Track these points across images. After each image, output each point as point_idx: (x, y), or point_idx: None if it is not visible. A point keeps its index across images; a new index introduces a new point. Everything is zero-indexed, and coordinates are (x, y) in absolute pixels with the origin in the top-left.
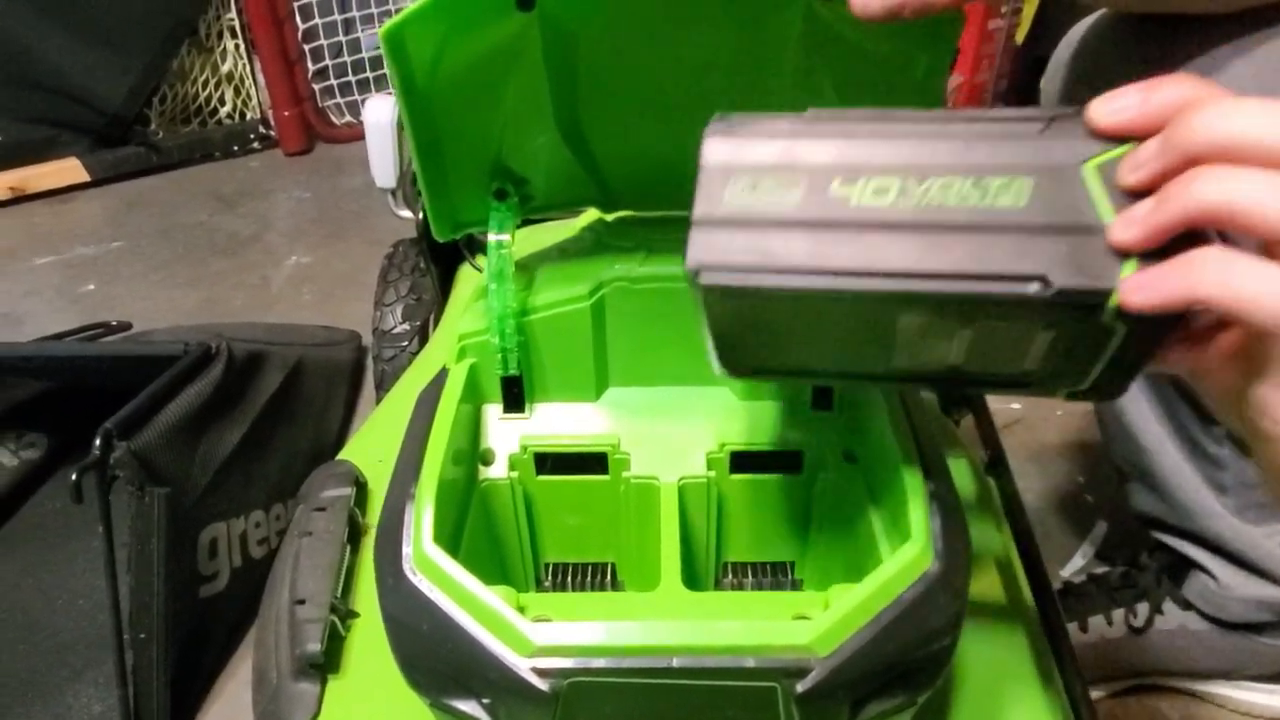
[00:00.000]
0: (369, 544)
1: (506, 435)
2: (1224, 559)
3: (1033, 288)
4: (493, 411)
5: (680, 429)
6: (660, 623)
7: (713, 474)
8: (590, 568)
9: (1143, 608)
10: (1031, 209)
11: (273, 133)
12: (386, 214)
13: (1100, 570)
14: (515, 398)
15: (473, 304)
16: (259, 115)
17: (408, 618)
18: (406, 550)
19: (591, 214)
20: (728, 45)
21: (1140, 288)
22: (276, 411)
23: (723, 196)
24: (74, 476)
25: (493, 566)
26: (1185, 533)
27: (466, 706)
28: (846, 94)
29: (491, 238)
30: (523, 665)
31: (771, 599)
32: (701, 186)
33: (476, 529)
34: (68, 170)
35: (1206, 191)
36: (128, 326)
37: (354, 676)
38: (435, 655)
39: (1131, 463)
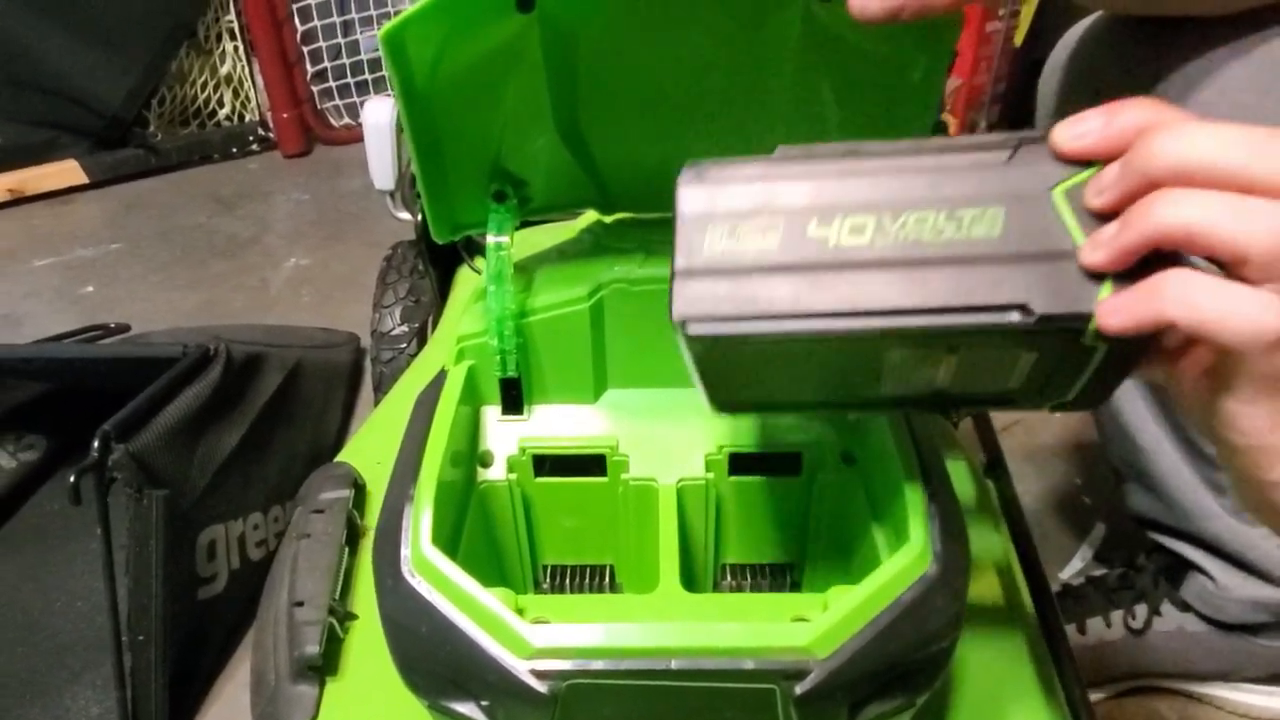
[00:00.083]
0: (367, 546)
1: (505, 437)
2: (1222, 560)
3: (1014, 316)
4: (491, 413)
5: (679, 431)
6: (659, 625)
7: (711, 476)
8: (589, 570)
9: (1141, 609)
10: (1006, 238)
11: (272, 135)
12: (385, 216)
13: (1098, 572)
14: (514, 399)
15: (471, 306)
16: (258, 117)
17: (406, 620)
18: (405, 552)
19: (590, 216)
20: (726, 47)
21: (1114, 311)
22: (275, 413)
23: (702, 245)
24: (72, 478)
25: (491, 568)
26: (1183, 534)
27: (465, 709)
28: (845, 95)
29: (490, 239)
30: (521, 667)
31: (770, 601)
32: (680, 237)
33: (475, 531)
34: (67, 172)
35: (1165, 215)
36: (126, 328)
37: (352, 679)
38: (433, 657)
39: (1129, 464)
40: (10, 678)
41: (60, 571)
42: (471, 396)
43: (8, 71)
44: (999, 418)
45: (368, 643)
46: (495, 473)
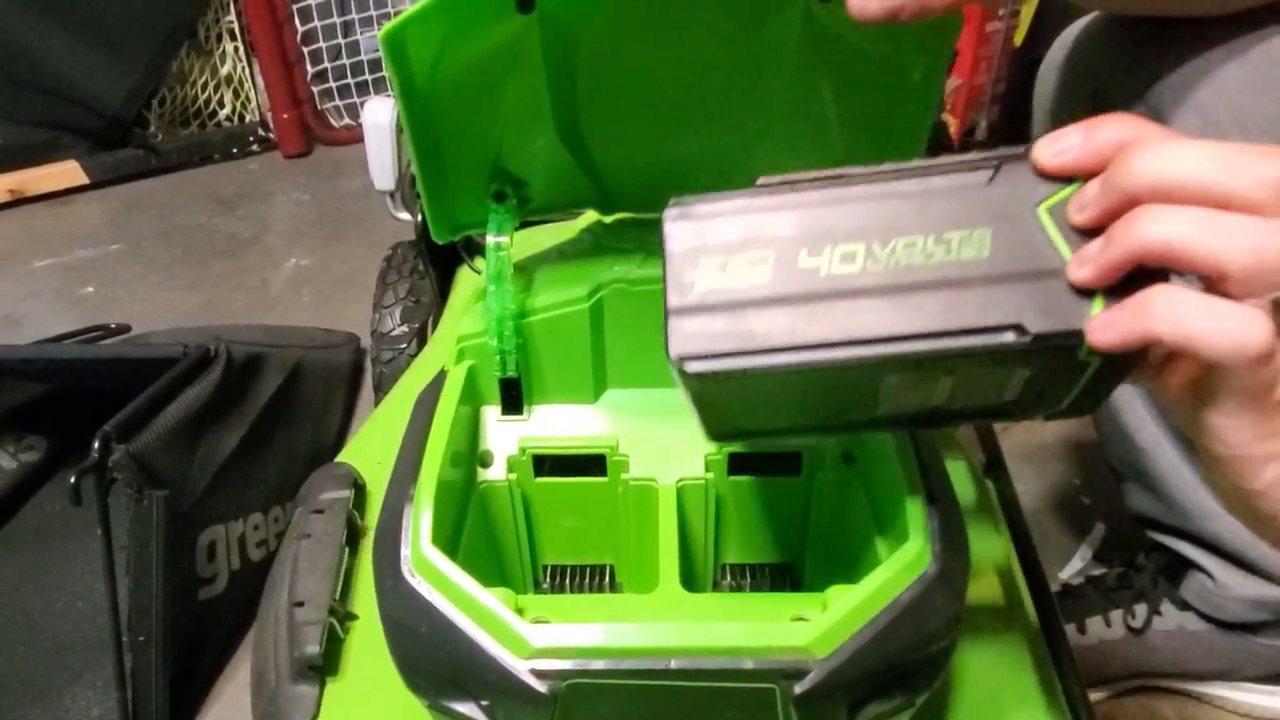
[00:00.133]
0: (368, 546)
1: (505, 437)
2: (1221, 558)
3: (1009, 337)
4: (491, 413)
5: (678, 431)
6: (658, 624)
7: (711, 476)
8: (589, 569)
9: (1141, 609)
10: (995, 258)
11: (272, 135)
12: (385, 216)
13: (1098, 572)
14: (514, 400)
15: (471, 306)
16: (258, 117)
17: (406, 620)
18: (405, 552)
19: (590, 216)
20: (726, 47)
21: (1104, 327)
22: (275, 414)
23: (694, 282)
24: (73, 479)
25: (491, 568)
26: (1182, 532)
27: (465, 708)
28: (845, 95)
29: (490, 240)
30: (521, 667)
31: (770, 600)
32: (671, 274)
33: (475, 531)
34: (67, 172)
35: (1147, 232)
36: (127, 329)
37: (353, 679)
38: (433, 657)
39: (1128, 463)
40: (11, 678)
41: (61, 572)
42: (471, 396)
43: (8, 72)
44: None
45: (368, 643)
46: (495, 473)
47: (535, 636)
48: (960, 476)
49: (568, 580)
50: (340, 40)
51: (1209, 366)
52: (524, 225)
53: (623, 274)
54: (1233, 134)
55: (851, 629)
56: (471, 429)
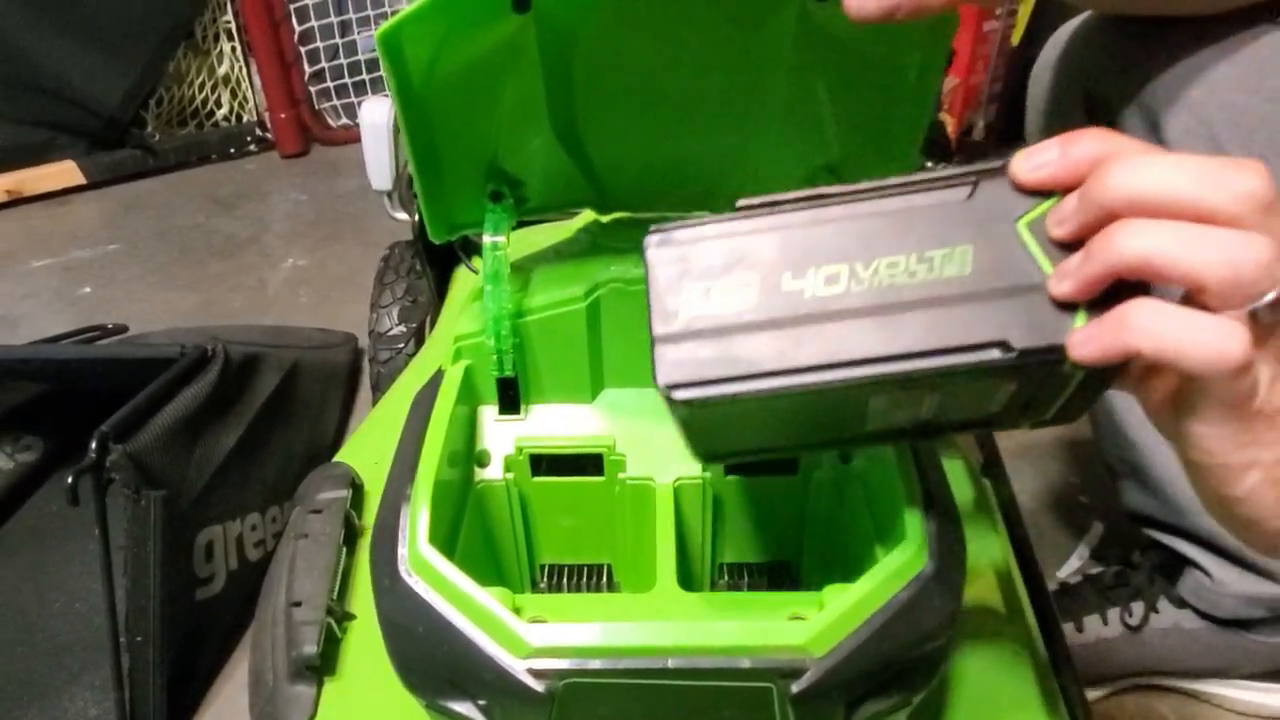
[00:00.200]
0: (365, 546)
1: (502, 437)
2: (1217, 555)
3: (995, 354)
4: (488, 413)
5: (676, 430)
6: (655, 623)
7: (708, 475)
8: (586, 569)
9: (1138, 606)
10: (978, 275)
11: (269, 135)
12: (383, 216)
13: (1095, 570)
14: (511, 399)
15: (468, 305)
16: (255, 117)
17: (403, 619)
18: (402, 552)
19: (587, 215)
20: (723, 47)
21: (1085, 342)
22: (273, 414)
23: (679, 309)
24: (70, 479)
25: (488, 568)
26: (1178, 529)
27: (462, 708)
28: (841, 95)
29: (487, 239)
30: (518, 666)
31: (767, 600)
32: (655, 302)
33: (472, 530)
34: (64, 173)
35: (1124, 246)
36: (124, 329)
37: (350, 678)
38: (431, 657)
39: (1123, 460)
40: (8, 679)
41: (58, 573)
42: (469, 396)
43: (5, 72)
44: None
45: (366, 643)
46: (492, 472)
47: (532, 636)
48: (957, 476)
49: (565, 580)
50: (338, 40)
51: (1189, 377)
52: (521, 225)
53: (619, 273)
54: (1225, 132)
55: (848, 628)
56: (468, 429)
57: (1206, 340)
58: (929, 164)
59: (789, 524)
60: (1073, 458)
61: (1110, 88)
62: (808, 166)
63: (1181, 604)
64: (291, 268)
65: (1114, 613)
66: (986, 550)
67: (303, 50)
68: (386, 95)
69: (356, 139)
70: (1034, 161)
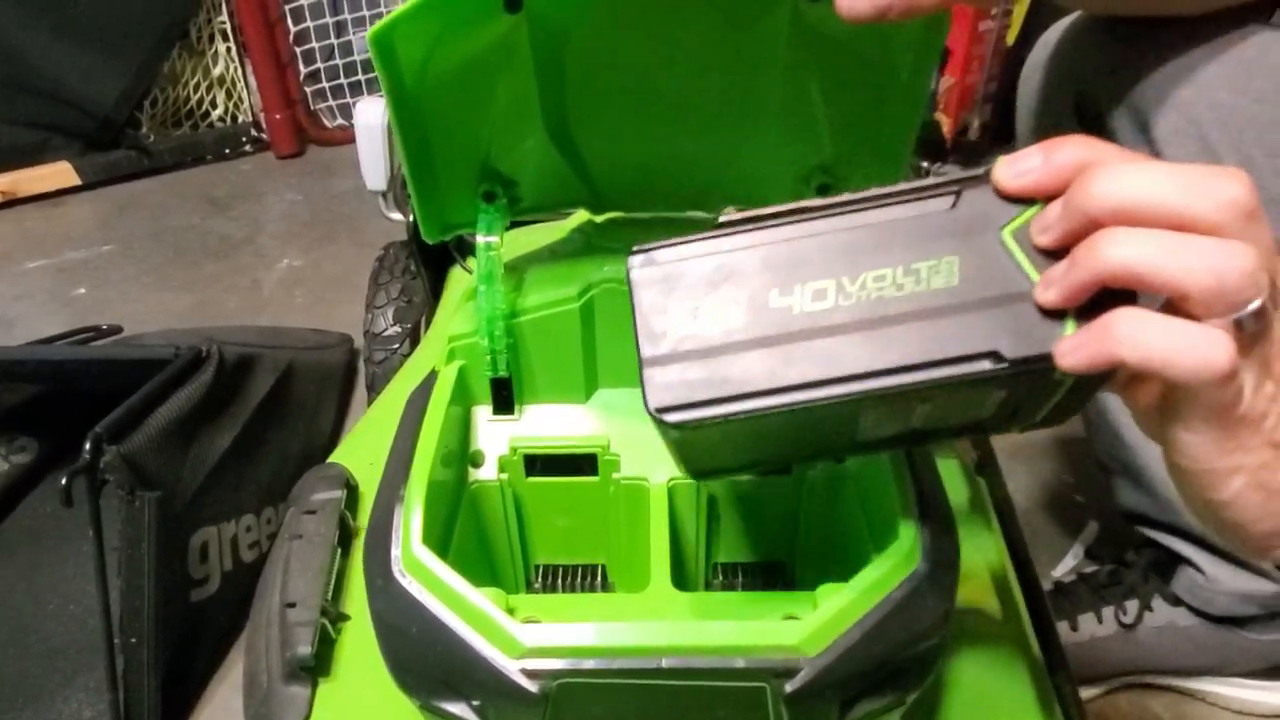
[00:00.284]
0: (360, 547)
1: (496, 437)
2: (1211, 553)
3: (986, 364)
4: (482, 413)
5: None
6: (649, 624)
7: None
8: (580, 569)
9: (1132, 605)
10: (966, 285)
11: (264, 135)
12: (378, 216)
13: (1089, 569)
14: (505, 399)
15: (462, 306)
16: (250, 118)
17: (397, 620)
18: (395, 552)
19: (581, 215)
20: (715, 46)
21: (1070, 351)
22: (267, 415)
23: (666, 330)
24: (64, 481)
25: (482, 568)
26: (1172, 527)
27: (456, 708)
28: (834, 94)
29: (480, 240)
30: (512, 667)
31: (761, 599)
32: (641, 324)
33: (466, 531)
34: (59, 174)
35: (1108, 255)
36: (119, 330)
37: (345, 679)
38: (424, 657)
39: (1116, 458)
40: (2, 681)
41: (53, 574)
42: (462, 396)
43: (0, 73)
44: None
45: (360, 644)
46: (486, 473)
47: (526, 636)
48: (952, 475)
49: (559, 580)
50: (333, 40)
51: (1174, 385)
52: (515, 225)
53: (613, 273)
54: (1214, 132)
55: (842, 627)
56: (463, 429)
57: (1191, 349)
58: (924, 164)
59: (783, 524)
60: (1067, 457)
61: (1100, 88)
62: (801, 166)
63: (1176, 602)
64: (286, 268)
65: (1108, 611)
66: (981, 549)
67: (298, 51)
68: (382, 95)
69: (352, 139)
70: (1017, 169)
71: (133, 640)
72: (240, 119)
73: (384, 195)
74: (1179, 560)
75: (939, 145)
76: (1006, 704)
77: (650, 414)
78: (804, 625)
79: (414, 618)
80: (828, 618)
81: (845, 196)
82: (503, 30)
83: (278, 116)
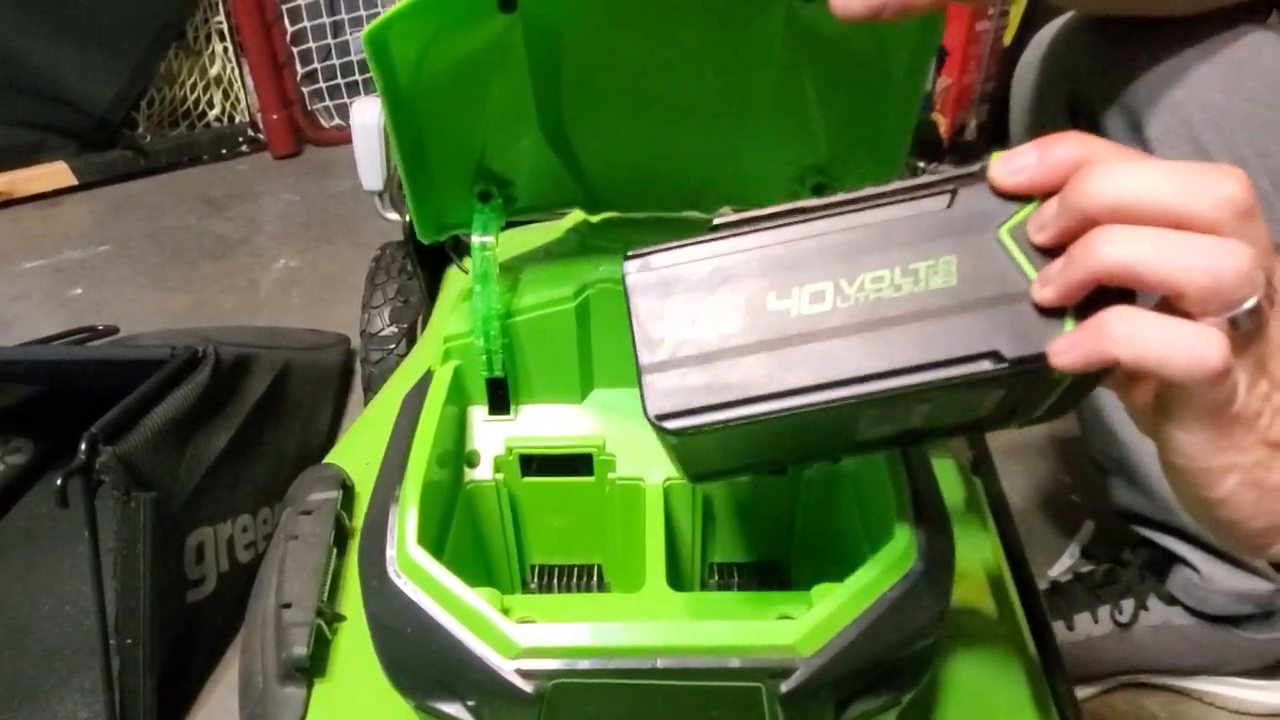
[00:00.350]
0: (356, 547)
1: (492, 437)
2: (1206, 552)
3: (986, 365)
4: (478, 413)
5: None
6: (645, 623)
7: None
8: (576, 569)
9: (1128, 604)
10: (964, 285)
11: (261, 135)
12: (374, 217)
13: (1085, 568)
14: (500, 399)
15: (458, 306)
16: (247, 118)
17: (392, 620)
18: (390, 553)
19: (576, 215)
20: (710, 46)
21: (1065, 350)
22: (264, 415)
23: (664, 336)
24: (59, 481)
25: (478, 569)
26: (1167, 526)
27: (451, 709)
28: (829, 94)
29: (475, 240)
30: (507, 667)
31: (756, 599)
32: (638, 331)
33: (462, 531)
34: (55, 174)
35: (1105, 253)
36: (115, 330)
37: (340, 680)
38: (419, 658)
39: (1111, 457)
40: None
41: (48, 575)
42: (458, 396)
43: None
44: None
45: (356, 644)
46: (482, 473)
47: (521, 636)
48: (947, 474)
49: (555, 580)
50: (330, 40)
51: (1169, 384)
52: (510, 225)
53: (609, 273)
54: (1207, 132)
55: (837, 627)
56: (458, 429)
57: (1186, 348)
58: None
59: (778, 523)
60: (1063, 456)
61: (1093, 88)
62: (796, 166)
63: (1171, 601)
64: (283, 268)
65: (1104, 610)
66: (976, 549)
67: (295, 51)
68: (378, 95)
69: (349, 139)
70: (1012, 166)
71: (128, 641)
72: (237, 119)
73: (380, 195)
74: (1174, 559)
75: (935, 145)
76: (1002, 704)
77: (650, 421)
78: (799, 625)
79: (409, 618)
80: (823, 617)
81: (841, 196)
82: (497, 30)
83: (274, 117)
